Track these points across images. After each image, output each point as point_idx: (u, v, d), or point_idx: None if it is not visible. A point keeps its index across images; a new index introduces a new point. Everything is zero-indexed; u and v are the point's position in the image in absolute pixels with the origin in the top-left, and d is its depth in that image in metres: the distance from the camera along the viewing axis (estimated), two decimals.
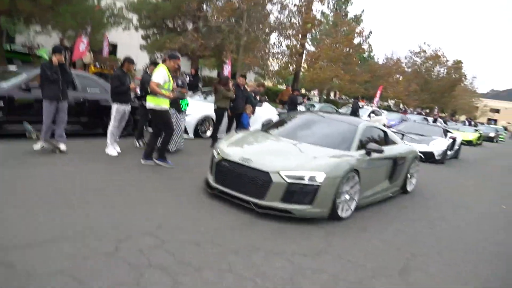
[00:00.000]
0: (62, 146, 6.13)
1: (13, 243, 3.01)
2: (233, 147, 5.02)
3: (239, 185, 4.56)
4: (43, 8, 13.32)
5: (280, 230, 4.11)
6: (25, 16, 14.23)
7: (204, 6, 20.23)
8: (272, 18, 20.63)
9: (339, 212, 4.60)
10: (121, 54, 26.06)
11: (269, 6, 20.25)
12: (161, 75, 5.90)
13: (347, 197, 4.71)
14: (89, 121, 7.65)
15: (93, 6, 15.38)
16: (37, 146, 5.94)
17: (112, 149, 6.48)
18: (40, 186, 4.48)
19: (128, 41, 24.10)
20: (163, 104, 6.02)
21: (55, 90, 5.94)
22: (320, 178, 4.31)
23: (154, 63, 7.74)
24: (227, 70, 16.42)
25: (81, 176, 5.10)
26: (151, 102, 5.99)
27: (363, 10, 64.63)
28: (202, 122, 9.83)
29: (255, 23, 19.09)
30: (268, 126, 6.22)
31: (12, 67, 7.78)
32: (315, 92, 33.26)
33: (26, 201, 3.95)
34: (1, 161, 5.30)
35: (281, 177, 4.30)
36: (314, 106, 18.49)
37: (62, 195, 4.27)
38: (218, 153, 4.93)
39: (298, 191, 4.31)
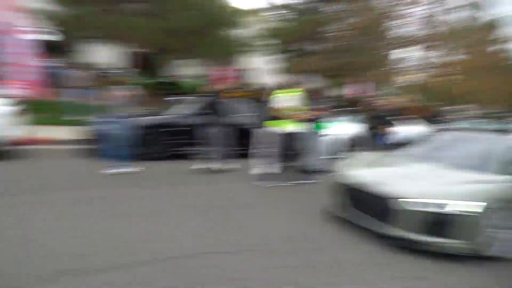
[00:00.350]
0: (219, 166, 7.06)
1: (181, 253, 3.54)
2: (358, 170, 4.70)
3: (363, 212, 4.27)
4: (190, 44, 15.33)
5: (437, 263, 3.67)
6: (174, 52, 16.59)
7: (333, 26, 20.55)
8: (401, 33, 19.77)
9: (490, 249, 3.80)
10: (253, 79, 28.22)
11: (395, 21, 19.49)
12: (287, 99, 6.43)
13: (501, 231, 3.87)
14: (239, 143, 8.58)
15: (232, 37, 17.12)
16: (203, 166, 6.99)
17: (259, 170, 7.13)
18: (200, 201, 5.27)
19: (259, 65, 25.98)
20: (292, 126, 6.50)
21: (210, 117, 6.94)
22: (463, 207, 3.72)
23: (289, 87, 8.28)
24: (363, 88, 16.26)
25: (233, 193, 5.85)
26: (280, 126, 6.53)
27: (504, 14, 56.18)
28: (345, 142, 9.91)
29: (384, 40, 18.59)
30: (401, 147, 5.81)
31: (189, 99, 9.20)
32: (466, 107, 29.88)
33: (189, 214, 4.67)
34: (176, 178, 6.52)
35: (413, 204, 3.84)
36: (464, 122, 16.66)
37: (219, 210, 4.90)
38: (341, 176, 4.73)
39: (433, 221, 3.77)
